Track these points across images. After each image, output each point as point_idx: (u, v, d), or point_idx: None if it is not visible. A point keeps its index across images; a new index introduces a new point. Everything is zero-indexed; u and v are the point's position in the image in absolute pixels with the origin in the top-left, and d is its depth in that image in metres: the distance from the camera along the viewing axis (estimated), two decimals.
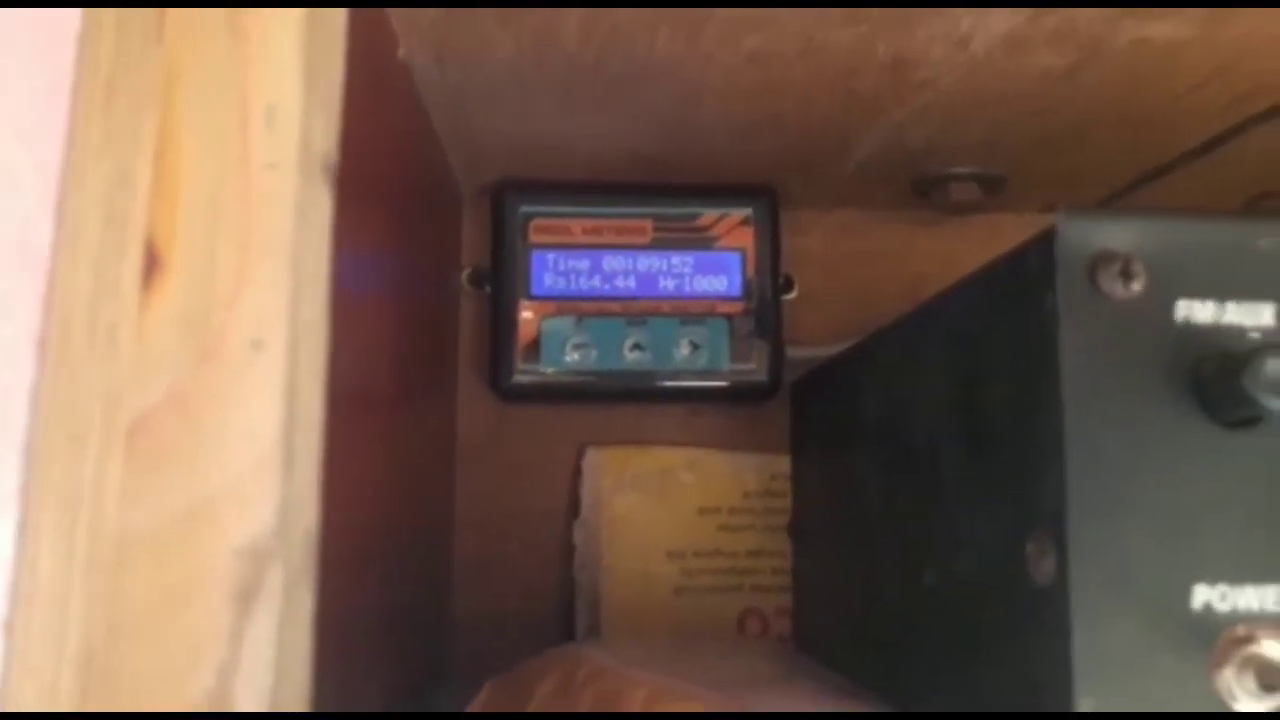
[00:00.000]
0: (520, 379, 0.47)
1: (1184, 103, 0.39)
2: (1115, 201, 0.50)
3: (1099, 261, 0.23)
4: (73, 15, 0.21)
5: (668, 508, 0.50)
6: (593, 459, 0.51)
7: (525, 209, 0.48)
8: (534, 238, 0.48)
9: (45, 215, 0.21)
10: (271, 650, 0.19)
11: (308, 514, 0.20)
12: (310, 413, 0.21)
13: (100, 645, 0.19)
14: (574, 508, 0.50)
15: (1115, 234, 0.24)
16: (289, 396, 0.20)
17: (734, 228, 0.49)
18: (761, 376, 0.48)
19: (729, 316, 0.48)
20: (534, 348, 0.47)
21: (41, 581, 0.19)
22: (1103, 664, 0.22)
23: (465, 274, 0.50)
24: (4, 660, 0.19)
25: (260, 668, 0.19)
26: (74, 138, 0.21)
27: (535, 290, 0.48)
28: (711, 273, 0.49)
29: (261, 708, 0.19)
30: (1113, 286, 0.23)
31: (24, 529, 0.19)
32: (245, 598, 0.19)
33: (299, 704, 0.20)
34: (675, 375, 0.48)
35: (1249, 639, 0.22)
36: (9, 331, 0.21)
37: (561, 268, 0.48)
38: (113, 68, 0.21)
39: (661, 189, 0.49)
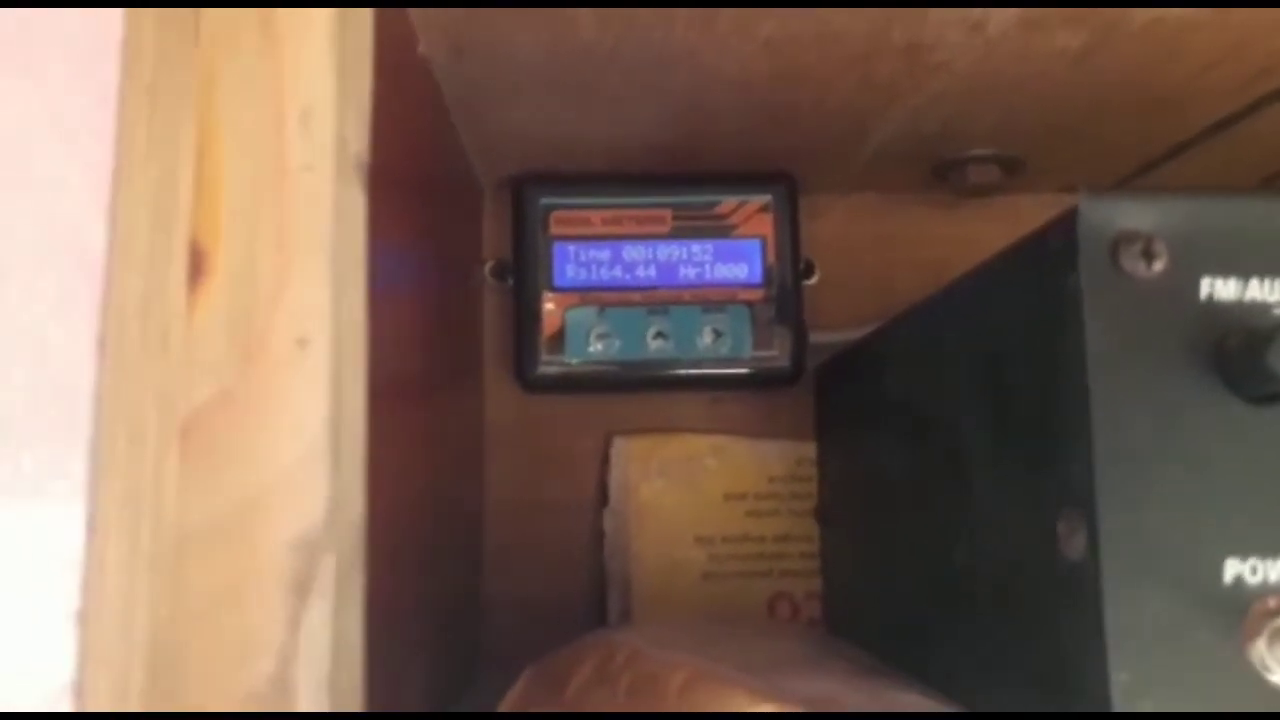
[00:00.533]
0: (545, 370, 0.47)
1: (1197, 83, 0.39)
2: (1131, 181, 0.51)
3: (1121, 241, 0.24)
4: (117, 23, 0.22)
5: (695, 494, 0.51)
6: (620, 447, 0.51)
7: (545, 201, 0.49)
8: (555, 229, 0.49)
9: (99, 219, 0.21)
10: (328, 637, 0.19)
11: (355, 506, 0.21)
12: (354, 407, 0.21)
13: (166, 635, 0.19)
14: (602, 496, 0.51)
15: (1137, 214, 0.24)
16: (334, 392, 0.20)
17: (753, 215, 0.49)
18: (784, 363, 0.48)
19: (750, 304, 0.48)
20: (558, 339, 0.47)
21: (109, 575, 0.20)
22: (1136, 638, 0.22)
23: (488, 267, 0.50)
24: (78, 649, 0.20)
25: (318, 654, 0.19)
26: (121, 141, 0.21)
27: (558, 281, 0.48)
28: (732, 260, 0.49)
29: (320, 692, 0.19)
30: (1135, 266, 0.24)
31: (92, 525, 0.20)
32: (301, 589, 0.19)
33: (354, 688, 0.20)
34: (698, 363, 0.48)
35: None
36: (72, 334, 0.21)
37: (583, 259, 0.48)
38: (155, 71, 0.21)
39: (680, 178, 0.49)
